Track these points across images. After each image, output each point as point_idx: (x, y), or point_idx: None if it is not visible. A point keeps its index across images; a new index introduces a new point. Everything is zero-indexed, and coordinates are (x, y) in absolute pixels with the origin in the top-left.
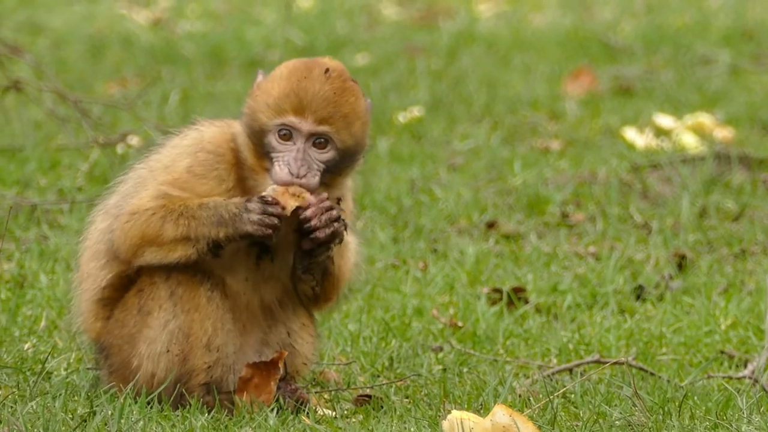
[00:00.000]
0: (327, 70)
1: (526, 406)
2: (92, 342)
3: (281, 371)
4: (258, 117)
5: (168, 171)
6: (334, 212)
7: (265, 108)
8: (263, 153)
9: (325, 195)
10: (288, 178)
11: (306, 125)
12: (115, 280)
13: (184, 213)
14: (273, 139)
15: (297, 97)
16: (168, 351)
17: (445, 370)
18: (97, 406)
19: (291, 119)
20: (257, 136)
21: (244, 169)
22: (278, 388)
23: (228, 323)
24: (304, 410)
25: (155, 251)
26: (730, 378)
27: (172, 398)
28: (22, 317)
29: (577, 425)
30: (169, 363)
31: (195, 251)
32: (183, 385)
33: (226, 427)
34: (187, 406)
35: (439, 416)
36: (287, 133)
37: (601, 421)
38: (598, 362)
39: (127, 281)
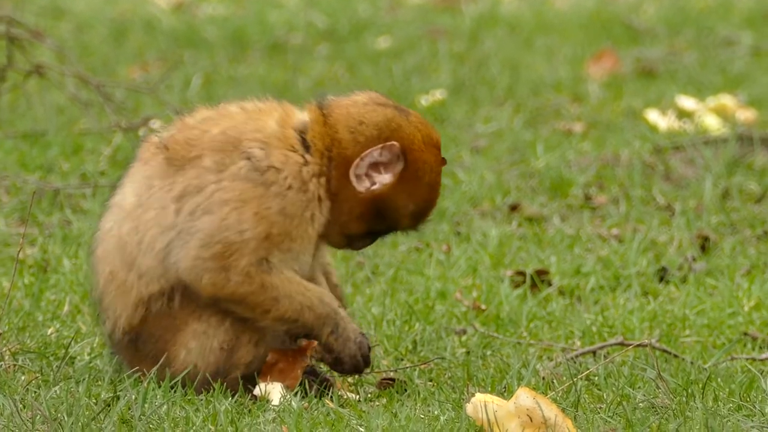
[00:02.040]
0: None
1: (550, 389)
2: (124, 332)
3: (308, 360)
4: (396, 215)
5: (260, 219)
6: None
7: (406, 213)
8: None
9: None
10: None
11: None
12: (166, 290)
13: (303, 302)
14: None
15: (431, 208)
16: (221, 348)
17: (468, 353)
18: (120, 390)
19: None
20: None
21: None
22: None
23: None
24: (328, 394)
25: (246, 311)
26: (754, 360)
27: (195, 383)
28: (45, 302)
29: (600, 407)
30: (218, 358)
31: (285, 329)
32: (222, 377)
33: (249, 411)
34: (211, 391)
35: (463, 399)
36: None
37: (624, 403)
38: (621, 344)
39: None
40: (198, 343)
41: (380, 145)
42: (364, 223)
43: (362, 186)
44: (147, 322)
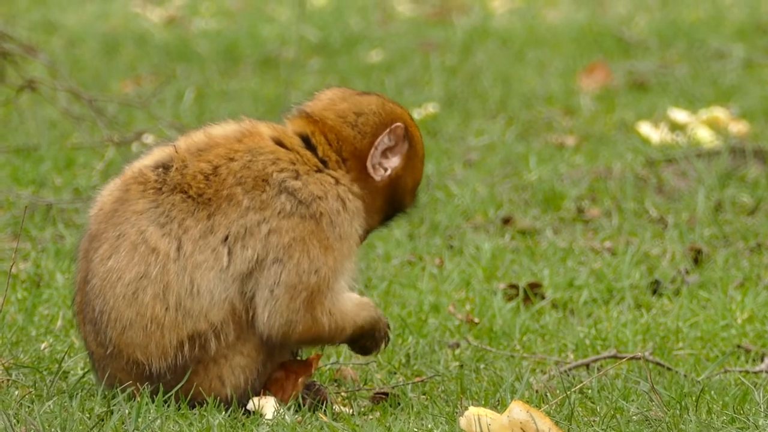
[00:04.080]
0: None
1: (543, 402)
2: (152, 368)
3: (312, 373)
4: (402, 195)
5: (325, 251)
6: None
7: (408, 191)
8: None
9: None
10: None
11: None
12: (213, 327)
13: (367, 316)
14: None
15: (421, 180)
16: (256, 378)
17: (462, 366)
18: (114, 405)
19: None
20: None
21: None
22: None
23: None
24: (321, 408)
25: (316, 344)
26: (747, 372)
27: (189, 396)
28: (38, 317)
29: (594, 420)
30: (246, 388)
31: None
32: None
33: (243, 425)
34: (204, 405)
35: (457, 413)
36: None
37: (618, 416)
38: (614, 357)
39: None
40: (235, 376)
41: (387, 130)
42: (382, 213)
43: (378, 175)
44: (183, 357)
